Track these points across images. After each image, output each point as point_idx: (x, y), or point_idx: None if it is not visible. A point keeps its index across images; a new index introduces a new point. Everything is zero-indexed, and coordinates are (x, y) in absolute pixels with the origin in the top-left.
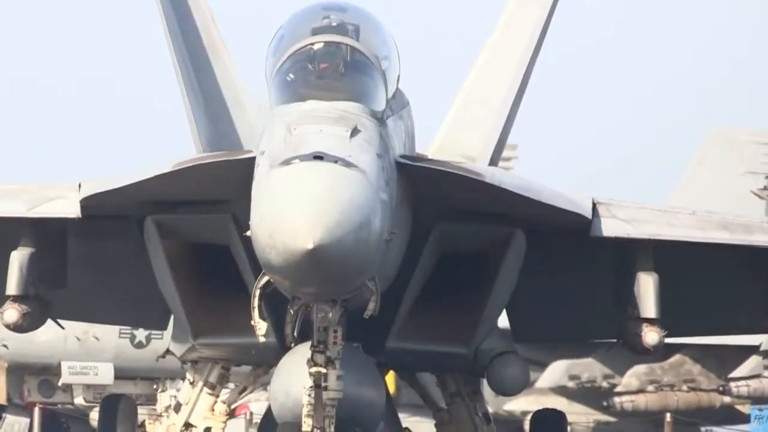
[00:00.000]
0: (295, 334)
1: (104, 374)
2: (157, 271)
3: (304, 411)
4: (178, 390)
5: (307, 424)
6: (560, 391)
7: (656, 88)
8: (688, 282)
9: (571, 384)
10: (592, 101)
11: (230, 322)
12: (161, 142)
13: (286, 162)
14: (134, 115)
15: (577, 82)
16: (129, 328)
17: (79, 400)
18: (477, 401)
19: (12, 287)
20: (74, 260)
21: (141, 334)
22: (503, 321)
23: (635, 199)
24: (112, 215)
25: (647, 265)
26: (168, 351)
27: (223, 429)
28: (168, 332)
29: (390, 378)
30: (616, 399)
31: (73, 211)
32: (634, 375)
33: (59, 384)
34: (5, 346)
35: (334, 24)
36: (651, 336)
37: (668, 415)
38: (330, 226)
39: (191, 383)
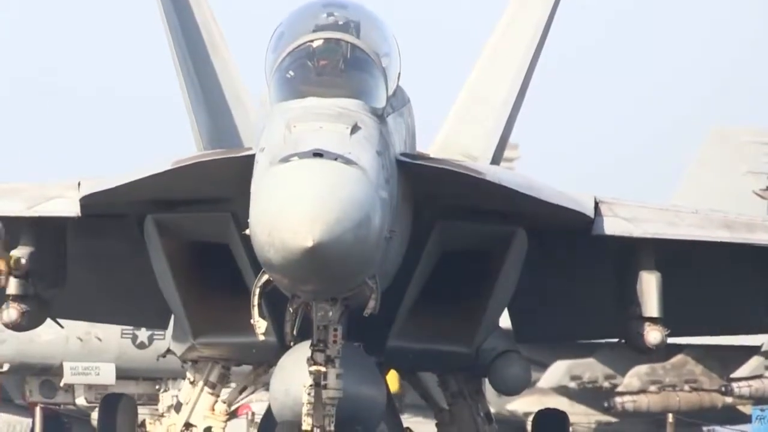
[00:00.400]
0: (295, 332)
1: (106, 375)
2: (157, 270)
3: (304, 410)
4: (179, 390)
5: (306, 422)
6: (562, 391)
7: (657, 87)
8: (690, 281)
9: (572, 384)
10: (593, 101)
11: (230, 321)
12: (162, 140)
13: (286, 159)
14: (135, 112)
15: (578, 82)
16: (131, 328)
17: (80, 401)
18: (479, 401)
19: (11, 286)
20: (74, 259)
21: (143, 334)
22: (505, 321)
23: (637, 199)
24: (111, 214)
25: (650, 264)
26: (168, 350)
27: (224, 428)
28: (169, 332)
29: (394, 377)
30: (618, 399)
31: (72, 210)
32: (636, 375)
33: (61, 384)
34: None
35: (334, 21)
36: (653, 335)
37: (670, 415)
38: (329, 223)
39: (191, 383)
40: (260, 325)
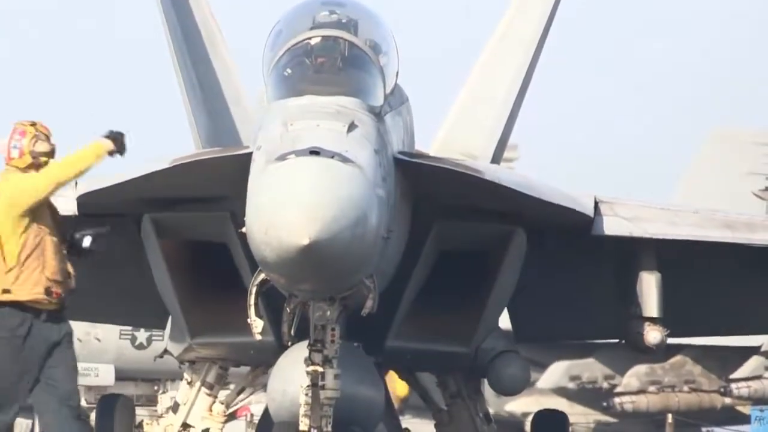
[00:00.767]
0: (293, 332)
1: (105, 376)
2: (154, 269)
3: (301, 410)
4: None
5: (304, 423)
6: (561, 391)
7: (657, 88)
8: (691, 281)
9: (571, 385)
10: (594, 101)
11: (228, 321)
12: (160, 139)
13: (282, 157)
14: (133, 111)
15: (577, 82)
16: (130, 329)
17: (82, 402)
18: (478, 401)
19: None
20: (70, 258)
21: (142, 335)
22: (505, 322)
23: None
24: (109, 213)
25: (650, 263)
26: (165, 351)
27: (221, 429)
28: (167, 333)
29: (402, 382)
30: (617, 400)
31: (69, 208)
32: (635, 376)
33: None
34: None
35: (332, 18)
36: (653, 335)
37: (669, 415)
38: (326, 222)
39: (189, 383)
40: (257, 324)
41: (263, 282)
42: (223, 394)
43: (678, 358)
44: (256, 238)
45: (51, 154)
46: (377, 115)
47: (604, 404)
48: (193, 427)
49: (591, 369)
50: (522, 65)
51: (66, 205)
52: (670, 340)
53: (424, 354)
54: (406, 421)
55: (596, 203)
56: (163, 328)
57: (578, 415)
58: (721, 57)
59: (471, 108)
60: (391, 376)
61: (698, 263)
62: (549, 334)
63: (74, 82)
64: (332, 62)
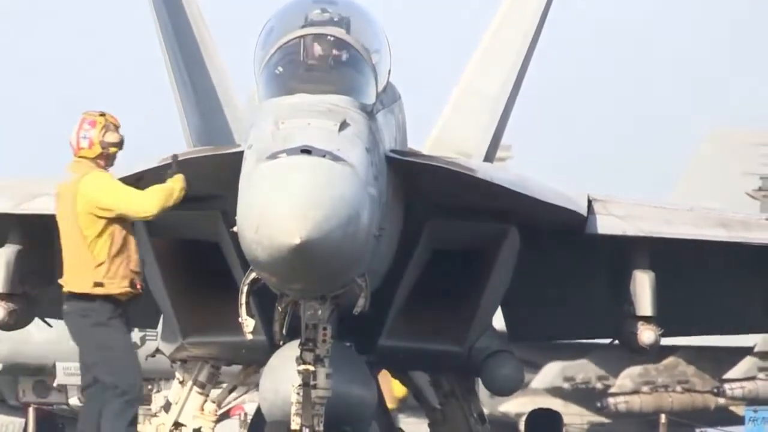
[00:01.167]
0: (284, 331)
1: None
2: (146, 268)
3: (293, 409)
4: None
5: (295, 422)
6: (555, 392)
7: (654, 89)
8: (685, 280)
9: (565, 385)
10: (588, 101)
11: (220, 321)
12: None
13: (273, 156)
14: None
15: (572, 82)
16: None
17: (74, 401)
18: (471, 401)
19: None
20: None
21: (135, 335)
22: (499, 323)
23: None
24: None
25: (643, 262)
26: (158, 350)
27: (213, 429)
28: (160, 332)
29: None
30: (611, 400)
31: None
32: (629, 376)
33: (54, 385)
34: None
35: (324, 16)
36: (647, 335)
37: (663, 416)
38: (317, 221)
39: (181, 382)
40: (248, 323)
41: (254, 281)
42: (215, 393)
43: (671, 358)
44: (247, 237)
45: (120, 144)
46: (369, 113)
47: (598, 405)
48: (185, 426)
49: (585, 370)
50: (516, 62)
51: None
52: (664, 341)
53: (416, 353)
54: (399, 421)
55: (590, 202)
56: (154, 327)
57: (572, 415)
58: (720, 57)
59: (464, 105)
60: (388, 376)
61: (693, 262)
62: (543, 334)
63: (65, 82)
64: (324, 60)
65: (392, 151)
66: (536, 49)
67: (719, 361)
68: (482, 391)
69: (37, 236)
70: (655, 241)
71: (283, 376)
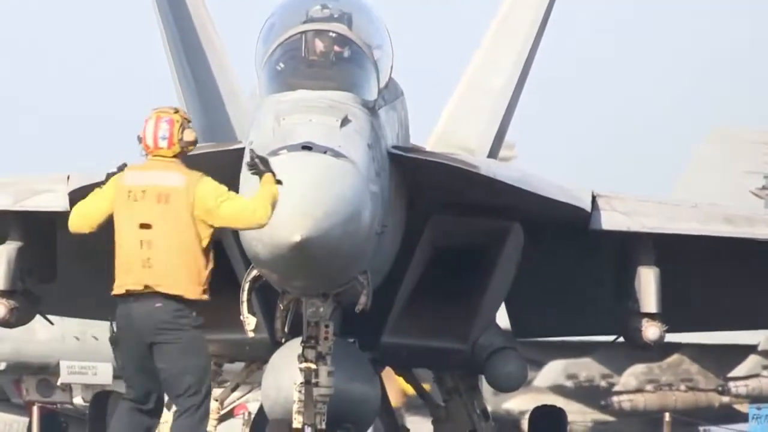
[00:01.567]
0: (286, 329)
1: (103, 374)
2: None
3: (295, 407)
4: None
5: (297, 420)
6: (558, 390)
7: (656, 87)
8: (689, 276)
9: (569, 383)
10: (591, 100)
11: (222, 318)
12: None
13: (274, 153)
14: (127, 106)
15: (576, 80)
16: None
17: (77, 400)
18: (475, 398)
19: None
20: (64, 254)
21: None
22: (504, 320)
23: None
24: None
25: (648, 259)
26: None
27: (216, 427)
28: None
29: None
30: (615, 398)
31: (61, 204)
32: (633, 374)
33: (58, 383)
34: None
35: (325, 12)
36: (652, 331)
37: (667, 414)
38: (318, 218)
39: None
40: (249, 321)
41: (256, 278)
42: (217, 392)
43: (675, 356)
44: (247, 234)
45: (196, 142)
46: (371, 109)
47: (602, 403)
48: None
49: (588, 368)
50: (520, 58)
51: (57, 200)
52: (668, 338)
53: (420, 350)
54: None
55: (593, 198)
56: None
57: (576, 413)
58: (721, 56)
59: (468, 102)
60: (394, 375)
61: (697, 258)
62: (546, 331)
63: (68, 77)
64: (325, 56)
65: (394, 147)
66: (539, 47)
67: (723, 359)
68: (486, 389)
69: (39, 233)
70: (660, 237)
71: (285, 374)
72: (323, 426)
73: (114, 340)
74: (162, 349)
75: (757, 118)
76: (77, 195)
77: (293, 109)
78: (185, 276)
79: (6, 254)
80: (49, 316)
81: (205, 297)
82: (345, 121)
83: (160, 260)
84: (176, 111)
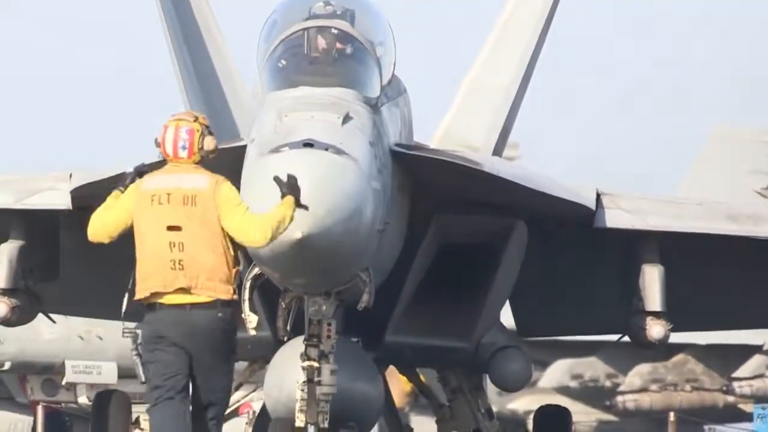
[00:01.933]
0: (288, 327)
1: (108, 373)
2: None
3: (297, 406)
4: None
5: (300, 419)
6: (563, 390)
7: (659, 87)
8: (694, 274)
9: (573, 383)
10: (595, 100)
11: None
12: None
13: (276, 150)
14: (130, 105)
15: (578, 80)
16: (132, 327)
17: (82, 399)
18: (479, 397)
19: (1, 280)
20: (67, 253)
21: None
22: (509, 320)
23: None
24: None
25: (653, 257)
26: None
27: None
28: None
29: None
30: (619, 398)
31: (63, 202)
32: (637, 374)
33: (63, 383)
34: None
35: (327, 9)
36: (656, 329)
37: (671, 414)
38: (319, 215)
39: None
40: (251, 319)
41: (257, 276)
42: None
43: (680, 356)
44: None
45: (216, 150)
46: (373, 106)
47: (607, 403)
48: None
49: (593, 368)
50: (524, 56)
51: (60, 198)
52: (673, 338)
53: (423, 349)
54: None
55: (598, 196)
56: None
57: (581, 413)
58: (723, 55)
59: (473, 100)
60: (398, 375)
61: (702, 256)
62: (551, 329)
63: (69, 72)
64: (327, 53)
65: (397, 144)
66: (544, 46)
67: (728, 359)
68: (490, 389)
69: (41, 231)
70: (665, 235)
71: (287, 373)
72: (326, 425)
73: (138, 346)
74: (201, 357)
75: (761, 118)
76: (79, 193)
77: (295, 106)
78: (217, 277)
79: (8, 253)
80: (52, 315)
81: (236, 297)
82: (347, 118)
83: (192, 262)
84: (196, 119)
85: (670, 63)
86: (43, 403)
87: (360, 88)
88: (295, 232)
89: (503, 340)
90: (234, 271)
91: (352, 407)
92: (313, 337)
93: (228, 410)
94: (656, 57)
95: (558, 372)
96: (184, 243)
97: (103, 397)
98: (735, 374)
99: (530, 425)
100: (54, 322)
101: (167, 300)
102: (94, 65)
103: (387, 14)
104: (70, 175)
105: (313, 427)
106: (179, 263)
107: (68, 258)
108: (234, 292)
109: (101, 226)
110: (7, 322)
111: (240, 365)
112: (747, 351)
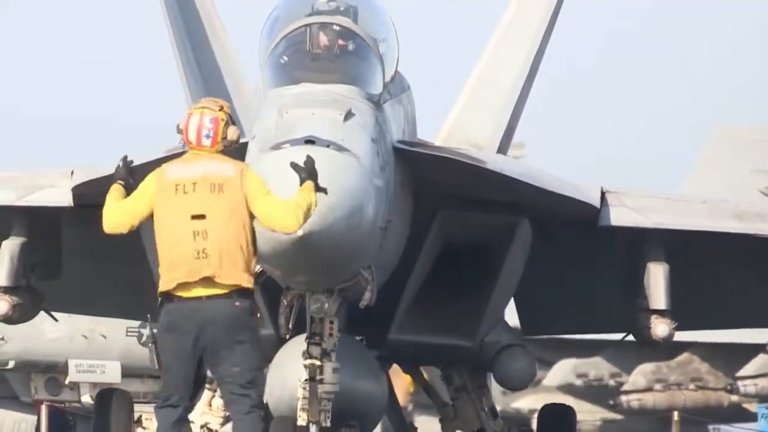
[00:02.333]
0: (290, 325)
1: (111, 372)
2: (151, 261)
3: (299, 405)
4: None
5: (302, 418)
6: (567, 389)
7: (661, 86)
8: (699, 272)
9: (578, 382)
10: (598, 100)
11: None
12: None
13: (277, 146)
14: (133, 102)
15: (582, 80)
16: (136, 326)
17: (86, 398)
18: (483, 396)
19: (2, 278)
20: (69, 250)
21: (148, 332)
22: (513, 319)
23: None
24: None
25: (658, 255)
26: None
27: (221, 424)
28: None
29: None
30: (624, 397)
31: (65, 199)
32: (642, 373)
33: (66, 382)
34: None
35: (330, 5)
36: (661, 328)
37: (675, 413)
38: (320, 212)
39: None
40: None
41: (259, 274)
42: None
43: (684, 355)
44: None
45: (239, 140)
46: (376, 103)
47: (611, 402)
48: (192, 422)
49: (598, 367)
50: (529, 54)
51: (61, 196)
52: (677, 336)
53: (427, 347)
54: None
55: (603, 194)
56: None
57: (585, 412)
58: (725, 54)
59: (478, 97)
60: (401, 372)
61: (707, 254)
62: (556, 327)
63: (71, 70)
64: (330, 50)
65: (400, 141)
66: (548, 45)
67: (732, 358)
68: (495, 388)
69: (43, 228)
70: (670, 233)
71: (289, 371)
72: (328, 423)
73: (155, 340)
74: (233, 350)
75: (762, 116)
76: (81, 190)
77: (296, 103)
78: (240, 265)
79: (9, 250)
80: (54, 313)
81: (255, 286)
82: (349, 115)
83: (216, 250)
84: (221, 108)
85: (672, 62)
86: (46, 402)
87: (362, 84)
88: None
89: (507, 338)
90: (255, 259)
91: (355, 405)
92: (315, 335)
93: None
94: (657, 56)
95: (562, 371)
96: (208, 231)
97: (105, 395)
98: (739, 373)
99: (535, 425)
100: (56, 320)
101: (185, 293)
102: (97, 61)
103: (391, 11)
104: (72, 172)
105: (314, 425)
106: (203, 252)
107: (70, 255)
108: (256, 281)
109: (122, 216)
110: (9, 320)
111: None
112: (751, 350)
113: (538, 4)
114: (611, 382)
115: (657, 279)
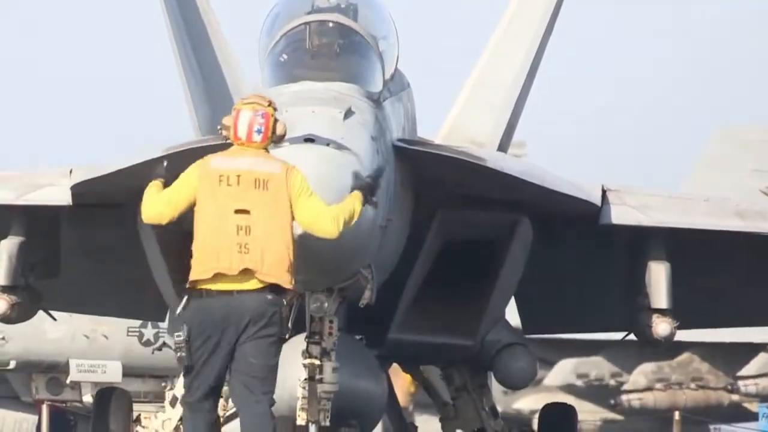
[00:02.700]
0: (290, 325)
1: (112, 372)
2: (151, 260)
3: (299, 404)
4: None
5: (301, 417)
6: (568, 389)
7: (662, 86)
8: (701, 271)
9: (578, 382)
10: (600, 99)
11: None
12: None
13: (276, 145)
14: (133, 101)
15: (584, 79)
16: (137, 326)
17: (87, 398)
18: (484, 395)
19: (1, 277)
20: (68, 249)
21: (149, 332)
22: (514, 318)
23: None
24: (105, 203)
25: (659, 254)
26: (165, 344)
27: (222, 424)
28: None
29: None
30: (624, 397)
31: (63, 198)
32: (642, 373)
33: (67, 382)
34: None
35: (330, 3)
36: (662, 327)
37: (676, 413)
38: None
39: None
40: None
41: None
42: (224, 390)
43: (685, 355)
44: None
45: (284, 136)
46: (376, 101)
47: (612, 402)
48: None
49: (598, 366)
50: (530, 52)
51: (60, 195)
52: (678, 337)
53: (427, 346)
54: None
55: (604, 192)
56: (162, 320)
57: (586, 412)
58: (726, 54)
59: (478, 95)
60: (401, 372)
61: (709, 252)
62: (557, 326)
63: (72, 68)
64: (329, 48)
65: (400, 140)
66: (549, 43)
67: (733, 357)
68: (495, 388)
69: (42, 228)
70: (671, 232)
71: (288, 371)
72: (327, 423)
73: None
74: (258, 343)
75: (763, 116)
76: (80, 189)
77: (296, 101)
78: (282, 263)
79: (8, 249)
80: (53, 313)
81: (293, 287)
82: (348, 113)
83: (258, 246)
84: (269, 103)
85: (673, 61)
86: (47, 402)
87: (362, 82)
88: (296, 228)
89: (508, 337)
90: (293, 259)
91: (355, 405)
92: (314, 334)
93: (228, 412)
94: (658, 56)
95: (563, 371)
96: (251, 227)
97: (104, 394)
98: (740, 373)
99: (535, 424)
100: (55, 319)
101: (215, 285)
102: (96, 61)
103: (391, 8)
104: (71, 171)
105: (314, 425)
106: (245, 246)
107: (69, 254)
108: (294, 282)
109: (164, 206)
110: (7, 319)
111: None
112: (752, 349)
113: (538, 2)
114: (612, 382)
115: (658, 278)
